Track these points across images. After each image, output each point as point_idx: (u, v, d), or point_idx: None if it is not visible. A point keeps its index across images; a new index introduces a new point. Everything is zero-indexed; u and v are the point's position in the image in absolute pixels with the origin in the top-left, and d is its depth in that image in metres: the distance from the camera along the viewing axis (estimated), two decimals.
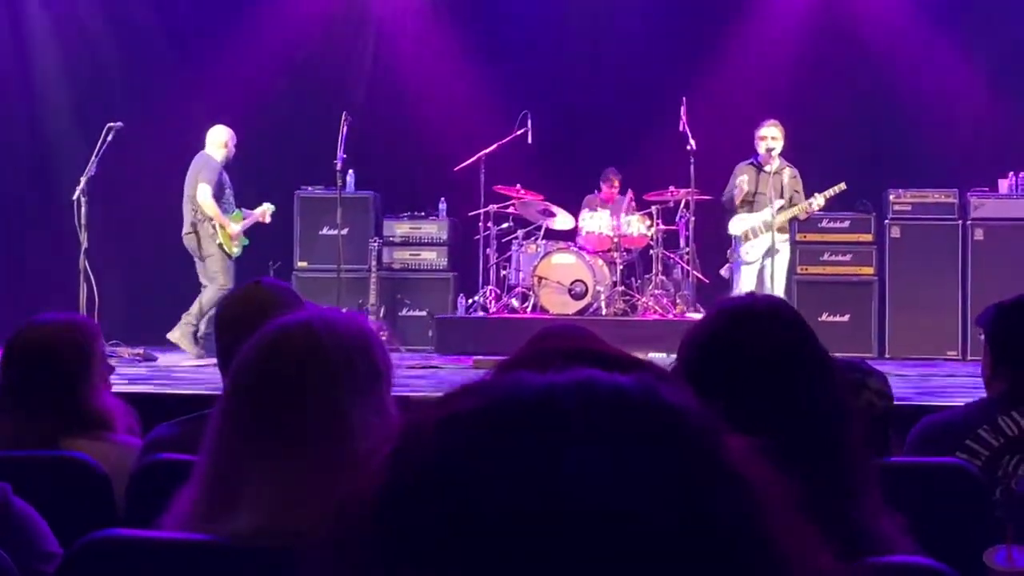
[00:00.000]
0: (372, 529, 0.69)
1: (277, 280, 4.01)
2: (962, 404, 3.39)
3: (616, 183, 10.24)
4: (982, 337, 3.35)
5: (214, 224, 9.01)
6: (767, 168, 8.83)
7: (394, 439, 0.73)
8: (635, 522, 0.65)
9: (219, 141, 9.18)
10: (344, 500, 0.72)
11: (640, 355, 1.03)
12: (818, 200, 8.89)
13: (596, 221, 10.01)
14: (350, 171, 10.13)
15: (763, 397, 1.69)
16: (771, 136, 8.85)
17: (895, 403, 3.05)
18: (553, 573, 0.64)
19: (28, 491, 2.15)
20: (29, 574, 2.00)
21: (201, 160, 9.11)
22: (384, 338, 6.84)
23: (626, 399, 0.71)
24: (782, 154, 8.92)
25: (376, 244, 10.35)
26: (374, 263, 10.28)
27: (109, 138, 8.73)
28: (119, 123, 8.85)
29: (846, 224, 10.14)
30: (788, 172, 8.92)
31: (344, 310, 2.40)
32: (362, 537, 0.69)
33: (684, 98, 9.64)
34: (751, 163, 9.00)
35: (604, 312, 9.61)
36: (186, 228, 9.07)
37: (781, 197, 8.85)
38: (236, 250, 9.24)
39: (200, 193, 9.01)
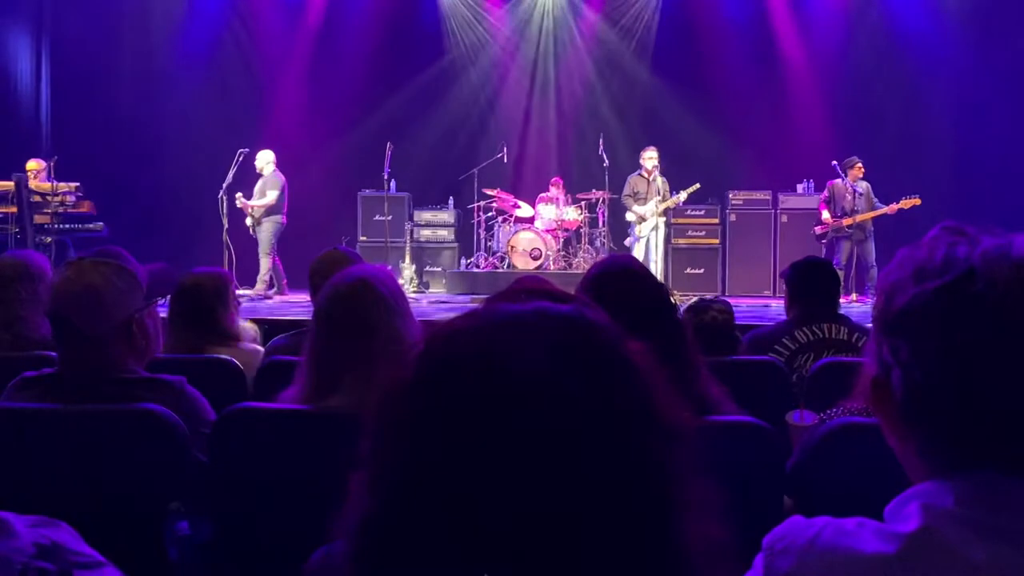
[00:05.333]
0: (406, 401, 0.83)
1: (347, 247, 4.39)
2: (772, 324, 3.74)
3: (560, 187, 11.78)
4: (784, 282, 3.76)
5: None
6: (649, 177, 10.69)
7: (420, 344, 0.86)
8: (570, 393, 0.78)
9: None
10: (389, 382, 0.84)
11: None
12: (681, 196, 10.65)
13: (546, 211, 11.57)
14: (392, 180, 11.69)
15: (636, 317, 1.67)
16: (651, 156, 10.72)
17: (737, 322, 3.49)
18: (517, 421, 0.78)
19: (192, 380, 2.45)
20: (195, 434, 2.27)
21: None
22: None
23: (566, 318, 0.84)
24: (659, 168, 10.75)
25: (409, 226, 11.97)
26: (408, 238, 11.83)
27: (240, 159, 10.33)
28: (246, 148, 10.46)
29: (702, 212, 11.81)
30: (661, 179, 10.74)
31: (380, 265, 2.51)
32: (400, 405, 0.84)
33: (601, 133, 11.82)
34: (639, 174, 10.77)
35: (552, 268, 10.90)
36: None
37: (658, 195, 10.64)
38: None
39: None
